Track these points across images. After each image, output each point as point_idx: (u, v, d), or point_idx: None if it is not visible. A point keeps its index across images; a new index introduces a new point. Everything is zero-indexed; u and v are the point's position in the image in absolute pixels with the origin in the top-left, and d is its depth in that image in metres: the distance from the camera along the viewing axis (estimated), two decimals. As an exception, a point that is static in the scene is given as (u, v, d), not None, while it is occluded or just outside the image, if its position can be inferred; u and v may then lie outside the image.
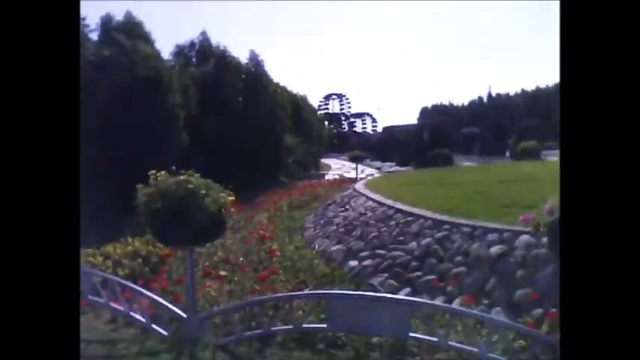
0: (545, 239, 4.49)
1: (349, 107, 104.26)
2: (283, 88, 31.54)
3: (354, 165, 30.56)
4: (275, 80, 28.17)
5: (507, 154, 38.47)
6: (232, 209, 5.45)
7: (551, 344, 4.10)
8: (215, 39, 24.06)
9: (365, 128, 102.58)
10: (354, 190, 12.34)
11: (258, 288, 6.32)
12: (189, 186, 4.91)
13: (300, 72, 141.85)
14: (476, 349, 4.15)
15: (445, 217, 7.31)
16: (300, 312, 5.18)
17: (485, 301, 5.44)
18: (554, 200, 3.77)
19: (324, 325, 4.77)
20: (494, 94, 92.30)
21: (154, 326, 5.37)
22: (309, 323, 4.94)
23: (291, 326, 4.90)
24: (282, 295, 5.49)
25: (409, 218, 7.86)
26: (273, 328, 4.99)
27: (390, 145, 44.74)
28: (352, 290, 6.09)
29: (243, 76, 24.08)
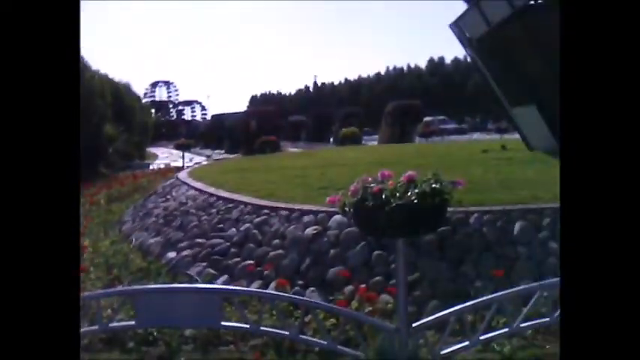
0: (352, 219, 4.63)
1: (177, 95, 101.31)
2: (103, 75, 29.46)
3: (182, 153, 29.69)
4: (94, 67, 26.26)
5: (331, 140, 40.12)
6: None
7: (359, 320, 4.25)
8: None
9: (194, 116, 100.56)
10: (177, 179, 11.91)
11: (63, 289, 5.77)
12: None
13: (125, 59, 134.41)
14: (287, 332, 4.16)
15: (264, 202, 7.32)
16: (110, 310, 4.81)
17: (300, 282, 5.53)
18: (358, 182, 3.88)
19: (133, 323, 4.48)
20: (319, 84, 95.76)
21: None
22: (118, 321, 4.60)
23: (97, 326, 4.52)
24: (88, 294, 5.05)
25: (230, 205, 7.74)
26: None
27: (220, 133, 44.28)
28: (169, 282, 5.83)
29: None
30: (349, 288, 5.14)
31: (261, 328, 4.25)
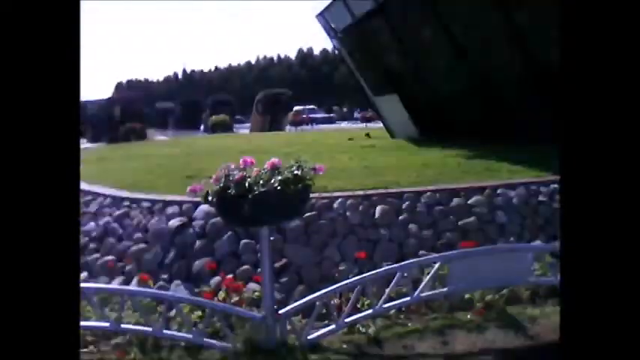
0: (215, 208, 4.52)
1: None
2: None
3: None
4: None
5: (202, 128, 39.25)
6: None
7: (225, 311, 4.17)
8: None
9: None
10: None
11: None
12: None
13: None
14: (150, 329, 3.98)
15: (125, 194, 6.96)
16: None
17: (165, 276, 5.34)
18: (221, 169, 3.79)
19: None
20: (188, 71, 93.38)
21: None
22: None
23: None
24: None
25: (88, 197, 7.27)
26: None
27: (81, 121, 41.50)
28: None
29: None
30: (216, 279, 5.04)
31: (122, 326, 4.04)
